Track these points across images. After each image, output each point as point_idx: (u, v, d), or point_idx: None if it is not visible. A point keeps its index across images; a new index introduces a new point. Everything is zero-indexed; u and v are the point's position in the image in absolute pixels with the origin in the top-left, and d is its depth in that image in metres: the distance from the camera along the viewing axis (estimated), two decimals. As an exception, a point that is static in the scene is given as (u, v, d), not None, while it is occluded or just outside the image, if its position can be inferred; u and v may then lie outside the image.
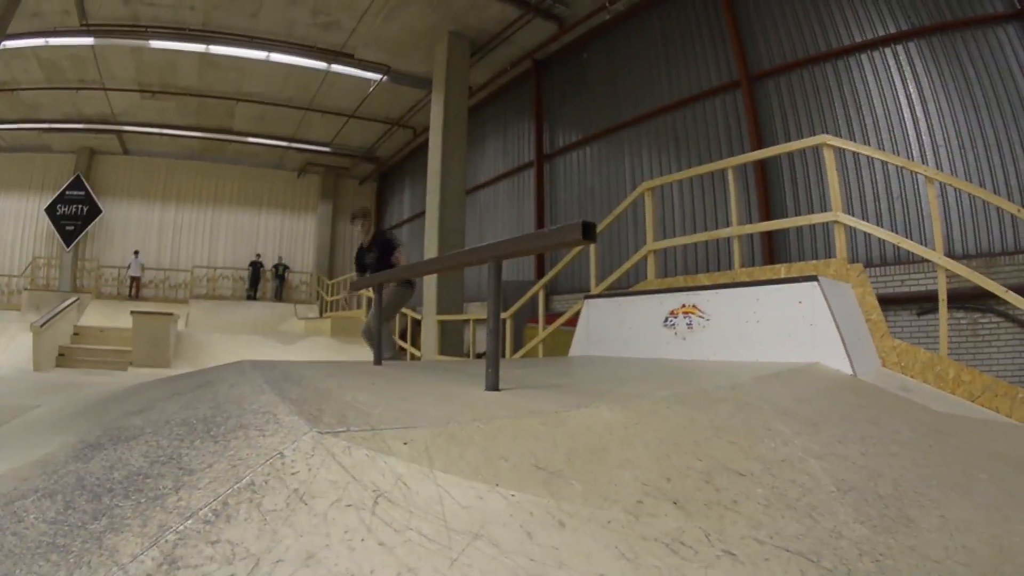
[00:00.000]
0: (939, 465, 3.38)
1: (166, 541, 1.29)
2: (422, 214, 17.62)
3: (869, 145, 9.62)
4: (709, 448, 2.34)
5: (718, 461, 2.23)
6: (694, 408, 2.83)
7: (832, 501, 2.21)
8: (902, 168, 8.27)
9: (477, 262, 3.36)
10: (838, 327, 4.83)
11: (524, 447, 1.91)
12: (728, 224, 6.77)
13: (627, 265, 7.30)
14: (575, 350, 6.60)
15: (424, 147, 16.21)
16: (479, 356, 11.33)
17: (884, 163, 9.28)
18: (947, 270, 5.41)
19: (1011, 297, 5.17)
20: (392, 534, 1.36)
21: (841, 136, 9.87)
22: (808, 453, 2.68)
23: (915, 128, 9.37)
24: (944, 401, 4.94)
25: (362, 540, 1.33)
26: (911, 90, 9.48)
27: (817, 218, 6.42)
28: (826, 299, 4.94)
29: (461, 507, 1.52)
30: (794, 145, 6.81)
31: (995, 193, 8.42)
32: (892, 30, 9.66)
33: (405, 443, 1.78)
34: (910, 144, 9.35)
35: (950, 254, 8.27)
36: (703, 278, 6.71)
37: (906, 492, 2.73)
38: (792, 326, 5.03)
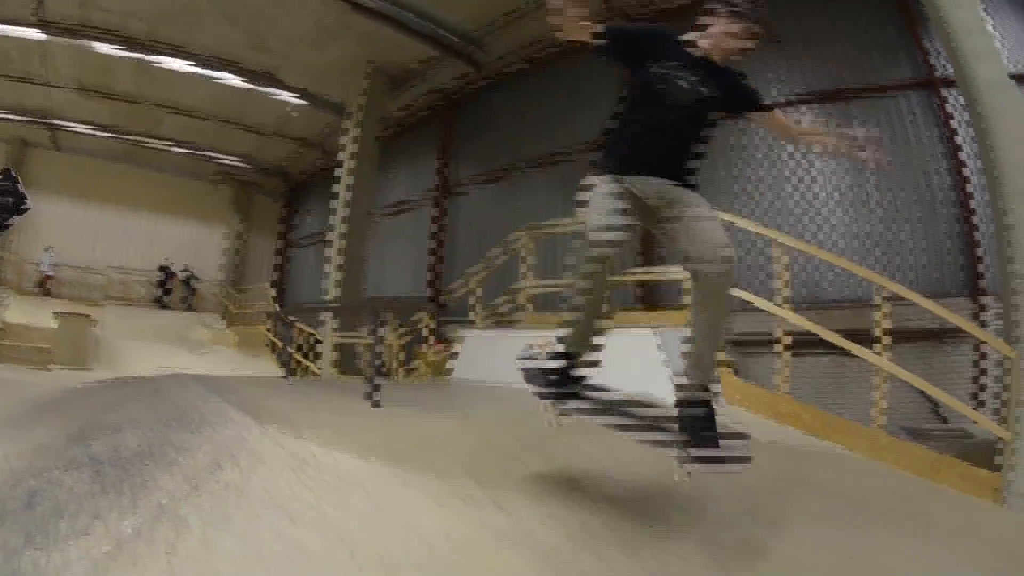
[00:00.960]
0: (726, 479, 4.37)
1: (190, 480, 2.45)
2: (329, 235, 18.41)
3: (759, 201, 10.82)
4: (511, 448, 3.60)
5: (514, 456, 3.49)
6: (514, 424, 4.09)
7: (593, 491, 3.35)
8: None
9: (359, 314, 4.64)
10: (671, 366, 5.82)
11: (387, 441, 3.16)
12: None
13: (500, 303, 8.52)
14: (455, 374, 7.69)
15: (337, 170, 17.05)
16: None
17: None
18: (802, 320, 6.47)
19: (839, 341, 6.17)
20: (311, 480, 2.55)
21: (733, 192, 11.04)
22: (591, 459, 3.84)
23: (799, 187, 10.54)
24: (783, 434, 5.78)
25: (296, 482, 2.52)
26: (800, 150, 10.25)
27: (669, 272, 7.74)
28: (662, 345, 6.07)
29: (348, 471, 2.73)
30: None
31: (874, 247, 9.71)
32: (792, 95, 10.75)
33: (316, 435, 2.98)
34: (793, 201, 10.53)
35: (823, 301, 9.38)
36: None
37: (675, 496, 3.47)
38: (632, 367, 5.74)
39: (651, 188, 3.05)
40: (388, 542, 2.37)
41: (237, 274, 25.42)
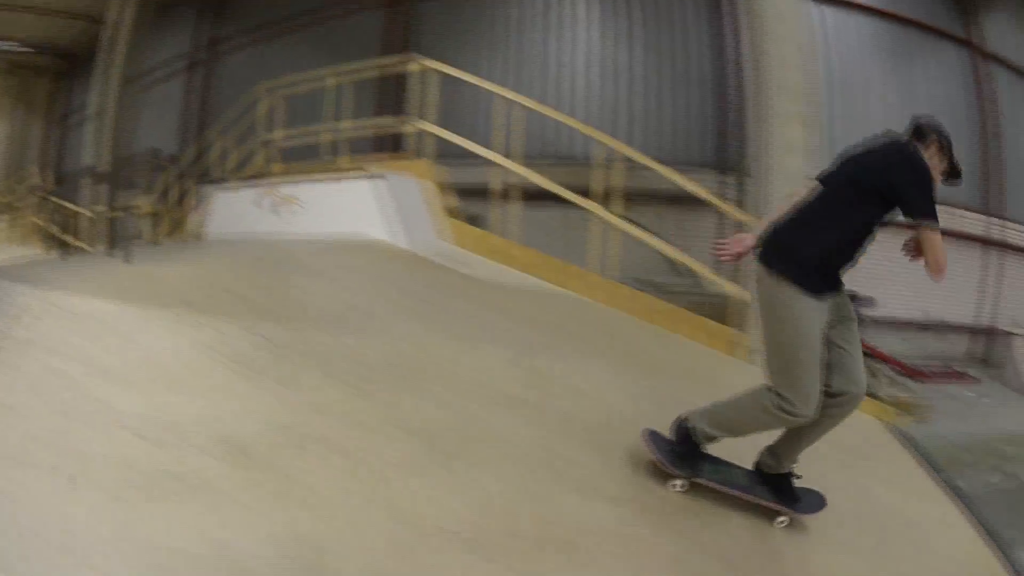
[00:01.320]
0: (423, 304, 5.15)
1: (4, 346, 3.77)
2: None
3: (524, 65, 11.92)
4: (238, 288, 4.81)
5: (237, 294, 4.70)
6: (244, 269, 5.39)
7: (302, 316, 4.58)
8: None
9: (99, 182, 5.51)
10: (393, 210, 6.84)
11: (134, 289, 4.54)
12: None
13: (246, 157, 9.43)
14: (210, 231, 8.50)
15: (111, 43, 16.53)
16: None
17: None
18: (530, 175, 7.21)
19: (558, 190, 7.01)
20: (76, 327, 3.84)
21: (499, 59, 12.16)
22: (305, 292, 5.06)
23: (561, 55, 11.69)
24: (493, 270, 6.54)
25: (67, 322, 3.85)
26: (566, 17, 11.76)
27: (395, 123, 8.62)
28: (386, 189, 6.95)
29: (103, 312, 4.09)
30: (389, 64, 9.15)
31: (632, 117, 11.12)
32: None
33: (80, 292, 4.32)
34: (561, 71, 11.70)
35: (570, 158, 10.39)
36: (310, 167, 8.58)
37: (372, 317, 4.64)
38: (360, 210, 7.02)
39: (833, 310, 3.16)
40: (131, 364, 3.37)
41: (16, 163, 24.17)
